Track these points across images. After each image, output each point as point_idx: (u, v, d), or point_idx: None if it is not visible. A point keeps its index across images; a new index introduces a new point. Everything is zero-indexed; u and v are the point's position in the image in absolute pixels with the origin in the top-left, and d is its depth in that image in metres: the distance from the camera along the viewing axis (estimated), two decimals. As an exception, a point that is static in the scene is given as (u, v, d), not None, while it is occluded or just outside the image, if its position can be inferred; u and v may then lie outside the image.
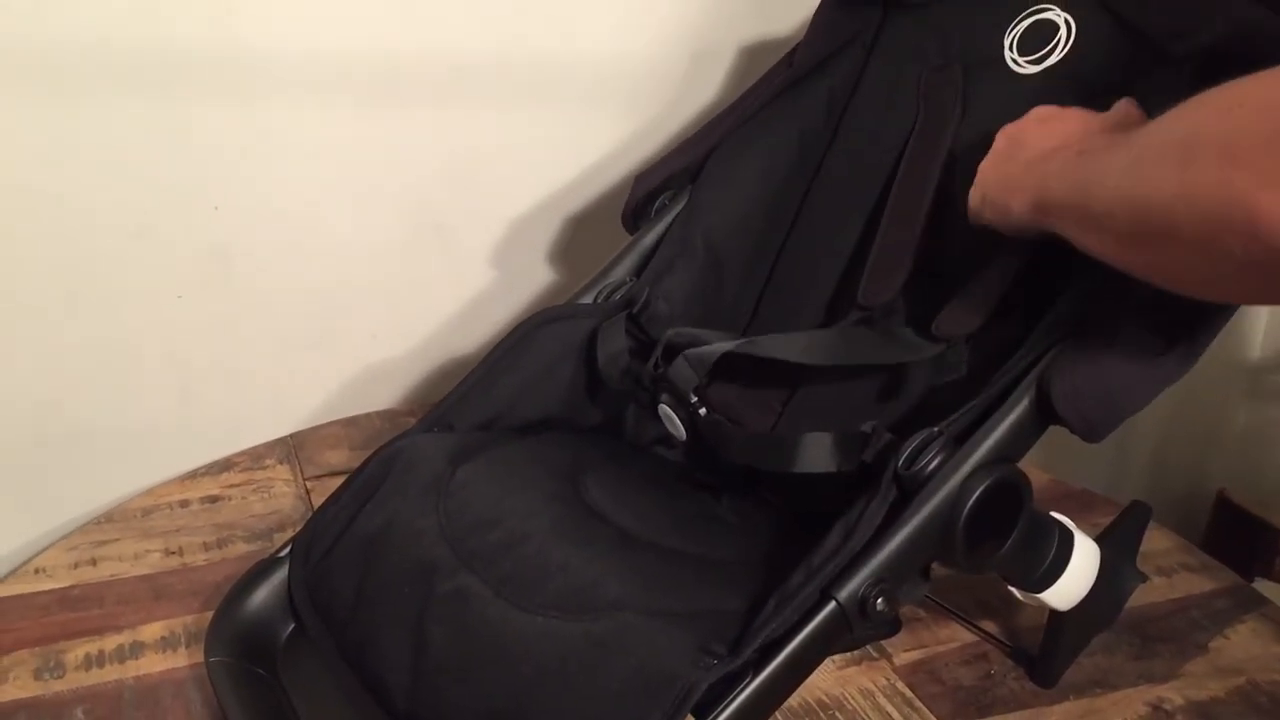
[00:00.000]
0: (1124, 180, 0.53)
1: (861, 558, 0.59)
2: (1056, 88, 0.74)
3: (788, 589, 0.59)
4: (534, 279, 1.11)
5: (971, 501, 0.59)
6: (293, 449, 1.00)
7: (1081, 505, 0.96)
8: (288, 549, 0.74)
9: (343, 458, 0.99)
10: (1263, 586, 1.20)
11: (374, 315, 1.06)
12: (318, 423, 1.05)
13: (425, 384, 1.09)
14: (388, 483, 0.73)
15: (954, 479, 0.60)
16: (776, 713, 0.71)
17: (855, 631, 0.59)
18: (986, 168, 0.69)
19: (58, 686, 0.72)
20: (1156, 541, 0.92)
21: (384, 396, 1.09)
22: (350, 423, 1.05)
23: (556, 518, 0.68)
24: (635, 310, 0.81)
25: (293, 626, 0.72)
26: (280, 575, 0.73)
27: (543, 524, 0.67)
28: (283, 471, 0.97)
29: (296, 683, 0.70)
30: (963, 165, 0.78)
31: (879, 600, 0.58)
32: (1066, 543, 0.67)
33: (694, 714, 0.56)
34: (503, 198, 1.07)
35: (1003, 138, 0.69)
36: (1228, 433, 1.33)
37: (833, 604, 0.58)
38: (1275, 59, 0.64)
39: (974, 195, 0.69)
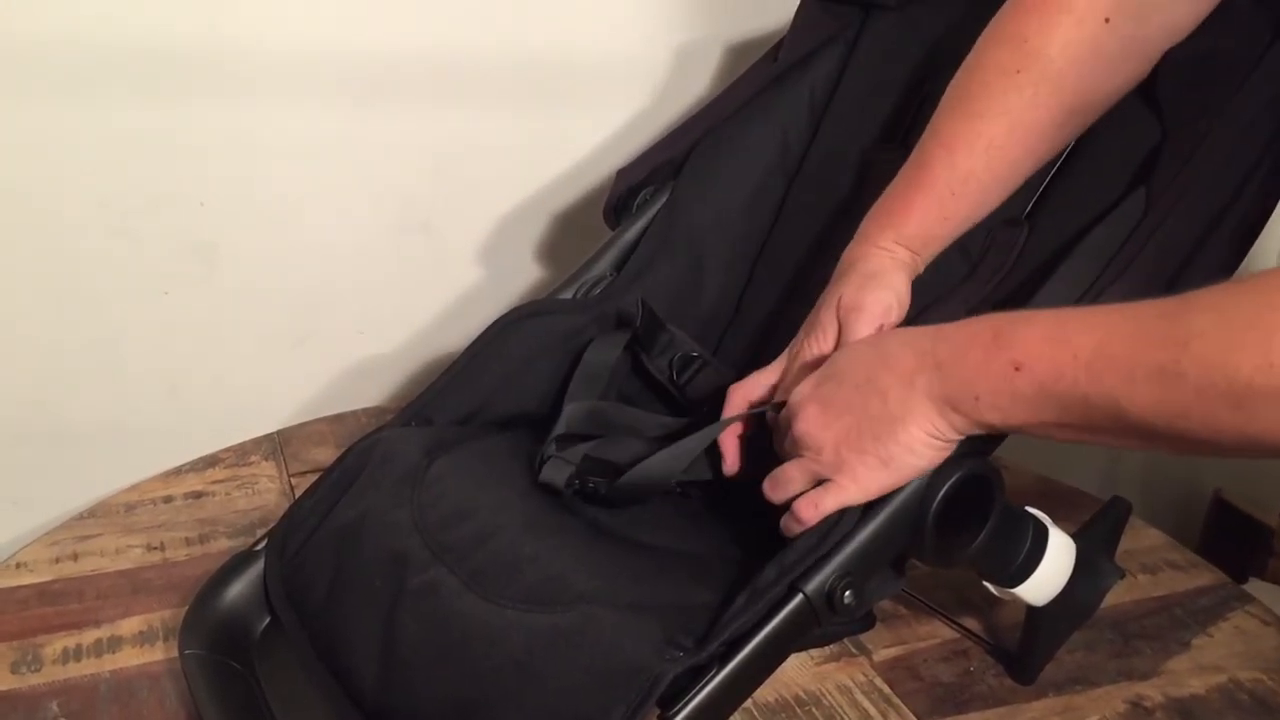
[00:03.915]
0: (1158, 416, 0.48)
1: (830, 551, 0.59)
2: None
3: (759, 583, 0.58)
4: (520, 275, 1.11)
5: (941, 494, 0.59)
6: (278, 445, 1.00)
7: (1069, 504, 0.95)
8: (264, 542, 0.74)
9: (328, 454, 0.98)
10: (1258, 586, 1.19)
11: (360, 312, 1.06)
12: (304, 419, 1.05)
13: (411, 381, 1.10)
14: (364, 476, 0.73)
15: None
16: (754, 708, 0.71)
17: (823, 625, 0.59)
18: (857, 479, 0.59)
19: (34, 680, 0.72)
20: (1143, 539, 0.91)
21: (370, 394, 1.09)
22: (336, 420, 1.05)
23: (529, 511, 0.68)
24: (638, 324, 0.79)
25: (268, 620, 0.72)
26: (256, 569, 0.73)
27: (515, 517, 0.67)
28: (268, 468, 0.97)
29: (272, 676, 0.69)
30: None
31: (846, 593, 0.58)
32: (1041, 537, 0.67)
33: (659, 706, 0.56)
34: (489, 195, 1.07)
35: (822, 436, 0.60)
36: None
37: (799, 597, 0.58)
38: (1268, 56, 0.65)
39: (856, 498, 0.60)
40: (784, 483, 0.62)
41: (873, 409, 0.58)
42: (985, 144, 0.67)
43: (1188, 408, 0.47)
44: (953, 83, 0.69)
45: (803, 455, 0.61)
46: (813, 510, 0.59)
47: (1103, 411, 0.50)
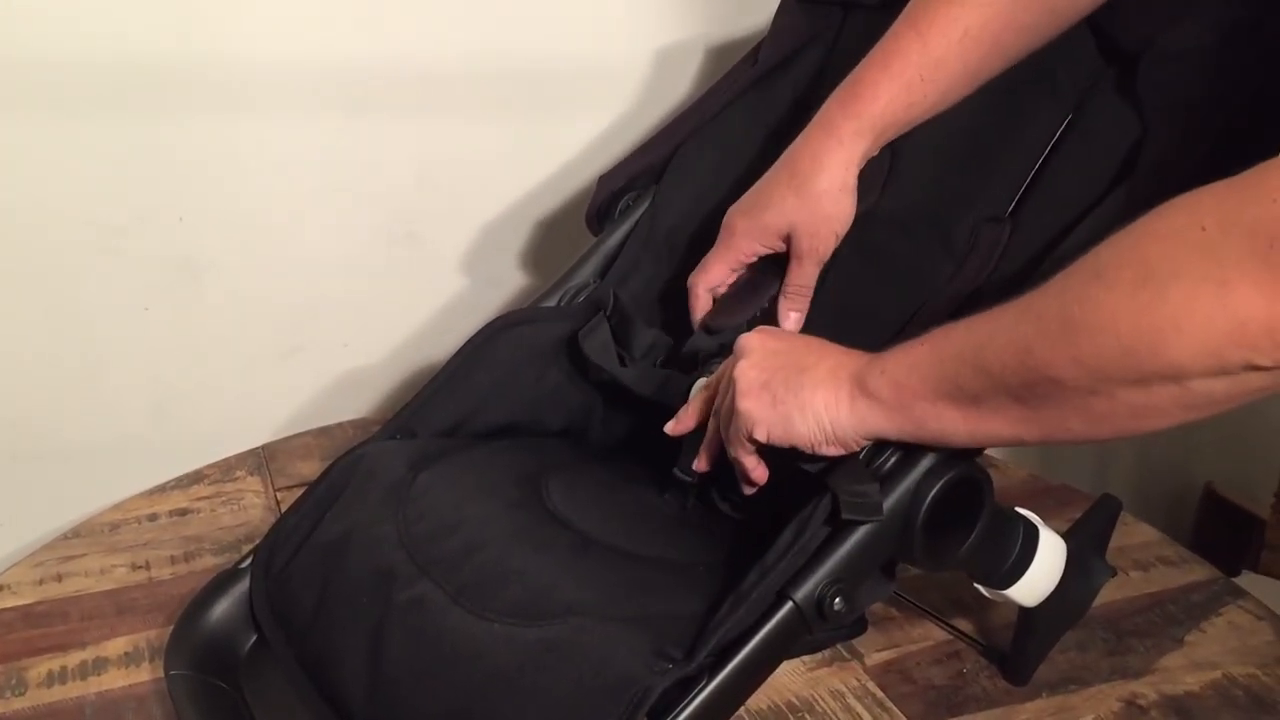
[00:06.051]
0: (1041, 329, 0.49)
1: (818, 557, 0.58)
2: (1012, 80, 0.73)
3: (742, 589, 0.58)
4: (506, 285, 1.10)
5: (929, 498, 0.59)
6: (263, 460, 1.00)
7: (1059, 501, 0.95)
8: (249, 560, 0.73)
9: (314, 468, 0.98)
10: (1250, 579, 1.19)
11: (345, 324, 1.05)
12: (289, 433, 1.04)
13: (397, 393, 1.09)
14: (349, 490, 0.72)
15: (911, 475, 0.59)
16: (747, 716, 0.71)
17: (814, 632, 0.58)
18: (755, 408, 0.60)
19: (18, 704, 0.72)
20: (1135, 535, 0.91)
21: (356, 406, 1.08)
22: (322, 433, 1.04)
23: (516, 523, 0.68)
24: (608, 314, 0.80)
25: (255, 638, 0.71)
26: (242, 587, 0.72)
27: (502, 530, 0.67)
28: (253, 483, 0.96)
29: (259, 695, 0.69)
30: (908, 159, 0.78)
31: (837, 600, 0.58)
32: (1031, 538, 0.67)
33: (649, 718, 0.55)
34: (473, 204, 1.06)
35: (752, 371, 0.61)
36: (1214, 426, 1.32)
37: (789, 604, 0.57)
38: (1246, 52, 0.65)
39: (756, 432, 0.61)
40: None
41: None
42: (961, 32, 0.66)
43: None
44: None
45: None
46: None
47: (970, 364, 0.53)
